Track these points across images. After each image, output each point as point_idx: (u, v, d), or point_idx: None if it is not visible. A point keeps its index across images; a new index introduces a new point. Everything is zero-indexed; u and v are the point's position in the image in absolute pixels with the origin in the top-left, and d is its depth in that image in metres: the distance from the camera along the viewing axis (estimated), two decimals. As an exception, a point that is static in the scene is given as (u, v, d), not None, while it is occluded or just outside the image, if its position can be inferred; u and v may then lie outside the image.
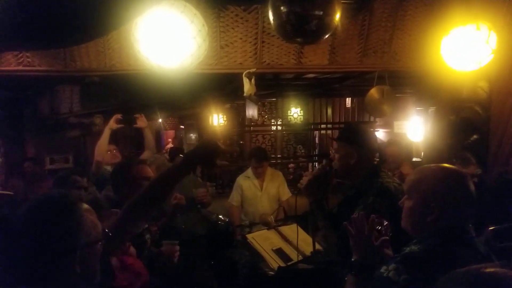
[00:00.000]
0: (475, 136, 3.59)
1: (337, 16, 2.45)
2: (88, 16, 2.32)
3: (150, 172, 2.55)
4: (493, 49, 2.77)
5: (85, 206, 1.33)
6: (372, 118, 7.12)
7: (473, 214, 1.56)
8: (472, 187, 1.56)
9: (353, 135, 2.38)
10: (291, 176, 8.33)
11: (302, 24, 2.36)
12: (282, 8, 2.35)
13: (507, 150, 3.33)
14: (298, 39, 2.54)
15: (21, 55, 3.46)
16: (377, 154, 2.55)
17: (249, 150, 5.74)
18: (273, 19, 2.53)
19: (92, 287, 1.29)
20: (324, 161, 2.50)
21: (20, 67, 3.50)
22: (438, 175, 1.59)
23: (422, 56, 3.86)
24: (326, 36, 2.60)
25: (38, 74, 3.61)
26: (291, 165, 9.29)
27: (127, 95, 5.05)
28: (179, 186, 3.66)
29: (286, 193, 4.53)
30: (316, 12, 2.35)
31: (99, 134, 4.60)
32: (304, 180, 2.36)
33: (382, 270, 1.44)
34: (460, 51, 2.84)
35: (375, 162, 2.43)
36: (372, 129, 6.09)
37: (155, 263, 2.29)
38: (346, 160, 2.31)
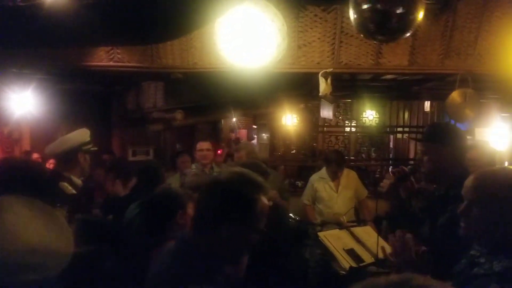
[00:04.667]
0: None
1: (420, 14, 2.40)
2: (173, 15, 2.50)
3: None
4: None
5: None
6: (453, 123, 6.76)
7: None
8: None
9: (444, 134, 2.22)
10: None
11: (383, 21, 2.34)
12: (363, 5, 2.35)
13: None
14: (379, 37, 2.52)
15: (112, 51, 3.77)
16: (467, 156, 2.37)
17: (327, 152, 5.68)
18: (353, 17, 2.53)
19: None
20: (408, 166, 2.40)
21: (111, 63, 3.82)
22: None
23: (509, 58, 3.64)
24: (407, 35, 2.56)
25: (127, 69, 3.91)
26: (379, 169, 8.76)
27: (206, 92, 5.29)
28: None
29: (363, 193, 4.47)
30: (398, 9, 2.32)
31: (178, 128, 4.86)
32: (385, 183, 2.28)
33: None
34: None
35: (466, 164, 2.22)
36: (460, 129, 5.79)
37: None
38: (437, 162, 2.16)
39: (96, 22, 2.39)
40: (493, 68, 3.84)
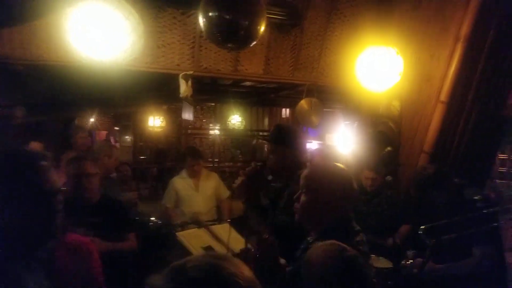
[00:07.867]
0: (388, 148, 3.89)
1: (262, 27, 2.62)
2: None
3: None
4: (399, 72, 3.03)
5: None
6: (303, 128, 7.40)
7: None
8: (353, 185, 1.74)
9: (287, 137, 2.60)
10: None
11: (228, 30, 2.49)
12: (211, 13, 2.45)
13: (413, 161, 3.66)
14: (227, 45, 2.68)
15: None
16: (306, 155, 2.76)
17: (182, 150, 5.67)
18: (203, 24, 2.62)
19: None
20: (252, 163, 2.63)
21: None
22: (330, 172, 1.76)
23: (346, 73, 4.07)
24: (252, 44, 2.78)
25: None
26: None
27: (54, 88, 4.81)
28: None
29: (225, 193, 4.51)
30: (242, 20, 2.50)
31: (19, 127, 4.33)
32: (239, 180, 2.52)
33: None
34: (371, 72, 3.09)
35: (303, 161, 2.65)
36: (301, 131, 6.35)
37: None
38: (280, 160, 2.54)
39: None
40: (334, 81, 4.30)
